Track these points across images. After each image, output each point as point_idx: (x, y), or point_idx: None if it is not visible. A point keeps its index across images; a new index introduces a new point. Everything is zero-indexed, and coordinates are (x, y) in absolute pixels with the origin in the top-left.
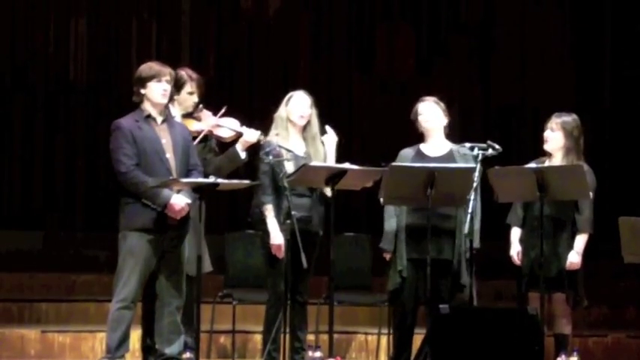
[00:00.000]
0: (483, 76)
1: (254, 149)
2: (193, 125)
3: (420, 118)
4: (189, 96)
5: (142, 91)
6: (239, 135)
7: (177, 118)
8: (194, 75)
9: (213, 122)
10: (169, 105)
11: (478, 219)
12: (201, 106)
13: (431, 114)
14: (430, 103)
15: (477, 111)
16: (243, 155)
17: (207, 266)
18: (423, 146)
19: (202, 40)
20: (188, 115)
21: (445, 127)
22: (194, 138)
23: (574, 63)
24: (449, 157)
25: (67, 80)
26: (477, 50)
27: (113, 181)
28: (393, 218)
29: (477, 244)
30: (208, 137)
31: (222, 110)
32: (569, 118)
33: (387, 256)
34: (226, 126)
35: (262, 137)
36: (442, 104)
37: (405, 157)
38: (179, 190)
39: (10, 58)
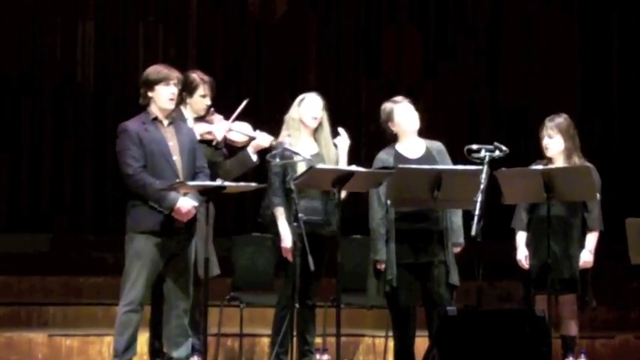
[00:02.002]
0: (490, 78)
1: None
2: (205, 129)
3: (398, 120)
4: (201, 99)
5: (150, 94)
6: (251, 139)
7: (190, 122)
8: (206, 78)
9: (225, 126)
10: (181, 108)
11: (460, 215)
12: (212, 109)
13: (411, 116)
14: (406, 104)
15: (484, 113)
16: (254, 158)
17: (215, 270)
18: (399, 148)
19: (209, 43)
20: (200, 119)
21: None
22: (207, 141)
23: (581, 65)
24: (428, 157)
25: (74, 83)
26: (484, 52)
27: (120, 183)
28: (382, 227)
29: (461, 240)
30: (219, 141)
31: (244, 103)
32: (562, 119)
33: (382, 267)
34: (239, 130)
35: (275, 142)
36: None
37: (387, 161)
38: (186, 192)
39: (18, 61)
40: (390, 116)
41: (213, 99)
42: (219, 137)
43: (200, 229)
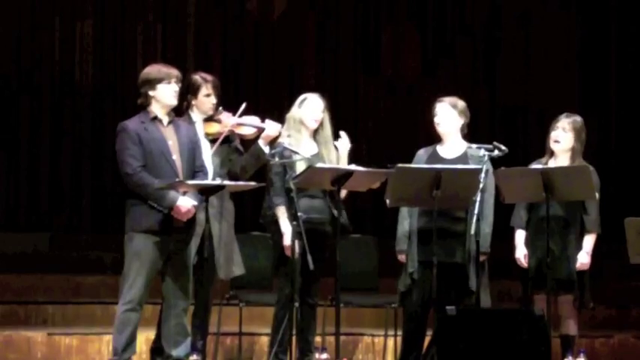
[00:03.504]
0: (489, 77)
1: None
2: (215, 127)
3: (434, 119)
4: (206, 98)
5: (151, 92)
6: (261, 130)
7: (198, 123)
8: (208, 77)
9: (233, 122)
10: (189, 112)
11: (488, 222)
12: (220, 107)
13: (443, 117)
14: (445, 104)
15: (483, 112)
16: (267, 150)
17: (238, 269)
18: (439, 147)
19: (208, 43)
20: (208, 119)
21: (463, 127)
22: (216, 140)
23: (579, 64)
24: (463, 158)
25: (72, 83)
26: (482, 51)
27: (119, 182)
28: (406, 220)
29: (487, 247)
30: (231, 138)
31: (242, 107)
32: (579, 119)
33: (402, 257)
34: (247, 123)
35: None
36: (460, 104)
37: (420, 159)
38: (185, 191)
39: (17, 61)
40: (433, 115)
41: (218, 97)
42: (223, 132)
43: (214, 228)
